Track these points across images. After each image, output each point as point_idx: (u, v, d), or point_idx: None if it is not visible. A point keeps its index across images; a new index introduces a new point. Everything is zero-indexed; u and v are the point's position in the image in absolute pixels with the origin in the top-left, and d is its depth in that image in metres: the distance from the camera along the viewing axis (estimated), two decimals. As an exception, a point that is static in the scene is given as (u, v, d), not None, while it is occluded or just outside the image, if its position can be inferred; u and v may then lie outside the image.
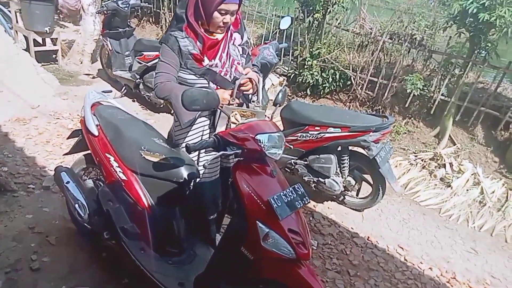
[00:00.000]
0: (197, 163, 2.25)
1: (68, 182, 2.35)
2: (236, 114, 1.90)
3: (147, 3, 6.06)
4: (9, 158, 3.34)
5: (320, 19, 5.31)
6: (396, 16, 5.08)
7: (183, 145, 2.17)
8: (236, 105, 1.98)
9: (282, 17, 3.54)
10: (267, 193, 1.68)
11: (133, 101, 5.12)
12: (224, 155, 1.67)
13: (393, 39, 4.97)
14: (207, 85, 2.12)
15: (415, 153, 4.65)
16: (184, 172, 2.03)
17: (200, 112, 2.04)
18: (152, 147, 2.10)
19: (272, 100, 5.71)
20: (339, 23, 5.46)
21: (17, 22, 5.54)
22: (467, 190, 4.01)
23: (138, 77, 4.77)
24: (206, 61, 2.08)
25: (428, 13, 5.13)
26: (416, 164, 4.40)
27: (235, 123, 1.88)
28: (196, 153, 2.26)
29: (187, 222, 2.24)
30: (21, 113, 4.09)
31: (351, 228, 3.24)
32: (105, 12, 4.90)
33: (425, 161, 4.42)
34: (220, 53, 2.13)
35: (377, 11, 7.40)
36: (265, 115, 2.03)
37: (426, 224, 3.50)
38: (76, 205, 2.27)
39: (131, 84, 4.97)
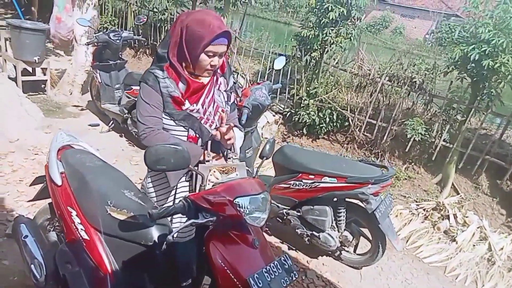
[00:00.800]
0: (171, 222, 1.97)
1: (26, 237, 2.06)
2: (214, 171, 1.64)
3: (141, 36, 5.96)
4: (-25, 199, 3.05)
5: (317, 58, 5.19)
6: (396, 58, 4.95)
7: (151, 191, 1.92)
8: (214, 160, 1.73)
9: (278, 55, 3.36)
10: (246, 270, 1.41)
11: (121, 136, 4.87)
12: (195, 224, 1.40)
13: (392, 81, 4.81)
14: (186, 132, 1.89)
15: (416, 201, 4.38)
16: (154, 233, 1.75)
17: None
18: (120, 201, 1.83)
19: (265, 138, 5.50)
20: (336, 63, 5.33)
21: (6, 50, 5.38)
22: (474, 245, 3.71)
23: (126, 111, 4.56)
24: (186, 105, 1.85)
25: (427, 55, 5.01)
26: (418, 214, 4.11)
27: (214, 182, 1.62)
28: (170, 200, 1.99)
29: (157, 289, 1.93)
30: (-2, 147, 3.83)
31: (348, 289, 2.92)
32: (96, 43, 4.75)
33: (427, 211, 4.14)
34: (204, 98, 1.91)
35: (375, 50, 7.36)
36: (248, 169, 1.78)
37: (431, 285, 3.18)
38: (32, 265, 1.97)
39: (119, 119, 4.76)
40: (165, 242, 1.84)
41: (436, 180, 4.62)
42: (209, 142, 1.86)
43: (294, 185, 2.99)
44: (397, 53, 5.07)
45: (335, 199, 2.98)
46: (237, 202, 1.45)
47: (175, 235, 1.43)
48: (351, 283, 3.00)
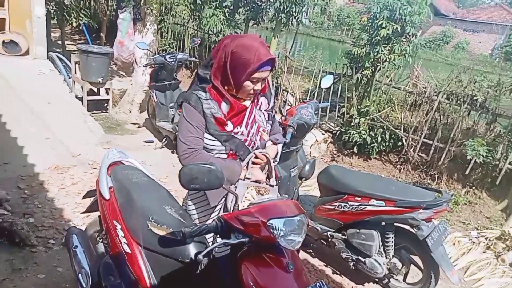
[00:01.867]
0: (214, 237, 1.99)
1: (76, 247, 2.19)
2: (252, 189, 1.64)
3: (196, 57, 6.22)
4: (38, 208, 3.30)
5: (369, 76, 5.05)
6: (454, 75, 4.67)
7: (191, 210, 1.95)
8: (252, 181, 1.72)
9: (326, 74, 3.33)
10: (278, 295, 1.37)
11: (172, 152, 5.07)
12: (227, 244, 1.39)
13: (451, 100, 4.54)
14: (226, 153, 1.91)
15: (477, 229, 4.03)
16: (191, 250, 1.77)
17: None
18: (161, 217, 1.88)
19: (313, 157, 5.41)
20: (390, 81, 5.15)
21: (75, 72, 5.88)
22: (545, 281, 3.31)
23: (178, 129, 4.74)
24: (229, 127, 1.88)
25: (491, 71, 4.66)
26: (479, 243, 3.77)
27: (250, 201, 1.61)
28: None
29: (194, 307, 1.94)
30: (61, 161, 4.15)
31: (396, 321, 2.72)
32: (153, 65, 5.04)
33: (490, 240, 3.79)
34: (246, 119, 1.93)
35: (435, 66, 7.03)
36: (283, 195, 1.74)
37: (492, 323, 2.87)
38: (80, 275, 2.08)
39: (172, 136, 4.96)
40: (202, 262, 1.87)
41: (501, 207, 4.23)
42: (250, 162, 1.86)
43: (340, 207, 2.89)
44: (456, 69, 4.78)
45: (383, 223, 2.83)
46: (271, 224, 1.42)
47: (202, 258, 1.42)
48: (400, 314, 2.80)
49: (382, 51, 4.75)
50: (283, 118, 3.07)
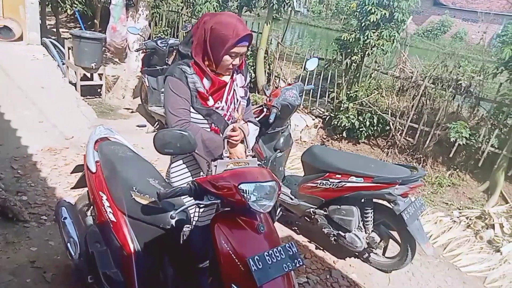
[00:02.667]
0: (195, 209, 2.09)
1: (65, 218, 2.30)
2: (231, 167, 1.73)
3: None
4: (31, 187, 3.40)
5: (358, 61, 5.13)
6: (440, 60, 4.75)
7: (174, 182, 2.05)
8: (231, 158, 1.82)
9: (311, 57, 3.40)
10: (247, 252, 1.47)
11: (164, 136, 5.15)
12: (200, 205, 1.49)
13: (436, 84, 4.63)
14: (208, 125, 2.01)
15: (459, 209, 4.15)
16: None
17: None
18: (144, 188, 1.98)
19: (303, 141, 5.52)
20: (378, 66, 5.22)
21: (69, 58, 5.93)
22: (521, 258, 3.44)
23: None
24: (210, 102, 1.97)
25: (474, 57, 4.75)
26: (460, 222, 3.90)
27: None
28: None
29: (175, 271, 2.05)
30: (54, 143, 4.24)
31: (374, 292, 2.86)
32: (144, 50, 5.09)
33: (470, 220, 3.92)
34: (226, 95, 2.02)
35: (425, 54, 7.10)
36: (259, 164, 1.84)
37: (466, 295, 3.01)
38: (68, 244, 2.20)
39: (164, 120, 5.04)
40: (184, 227, 1.98)
41: (482, 188, 4.36)
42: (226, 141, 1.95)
43: (321, 184, 3.00)
44: (442, 55, 4.87)
45: (362, 200, 2.95)
46: (242, 188, 1.52)
47: (175, 215, 1.51)
48: (378, 286, 2.93)
49: (371, 36, 4.82)
50: (267, 99, 3.16)
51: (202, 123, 2.00)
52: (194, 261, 2.09)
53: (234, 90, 2.06)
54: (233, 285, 1.43)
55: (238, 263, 1.46)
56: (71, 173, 2.60)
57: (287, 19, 7.68)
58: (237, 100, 2.07)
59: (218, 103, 1.98)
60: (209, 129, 2.01)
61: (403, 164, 2.89)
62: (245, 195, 1.52)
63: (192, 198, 1.54)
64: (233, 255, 1.48)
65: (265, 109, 3.13)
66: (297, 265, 1.56)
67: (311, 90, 5.36)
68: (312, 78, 5.85)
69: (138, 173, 2.12)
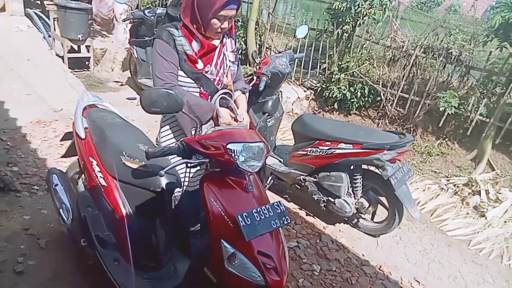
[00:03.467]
0: (185, 171, 2.11)
1: (56, 185, 2.30)
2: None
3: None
4: (22, 158, 3.39)
5: (349, 31, 5.08)
6: (431, 29, 4.73)
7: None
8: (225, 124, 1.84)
9: (300, 24, 3.36)
10: (236, 209, 1.50)
11: (155, 108, 5.12)
12: (188, 164, 1.51)
13: (427, 53, 4.62)
14: (198, 89, 2.01)
15: (447, 177, 4.23)
16: (162, 181, 1.89)
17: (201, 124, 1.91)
18: (134, 153, 1.99)
19: (295, 114, 5.52)
20: (370, 36, 5.18)
21: (54, 30, 5.78)
22: (505, 222, 3.55)
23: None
24: (200, 65, 1.96)
25: (465, 26, 4.73)
26: (447, 190, 3.99)
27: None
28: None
29: (167, 234, 2.09)
30: (43, 116, 4.19)
31: (362, 255, 2.94)
32: (132, 20, 4.98)
33: (457, 187, 4.00)
34: (216, 59, 2.01)
35: (418, 26, 7.05)
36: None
37: (451, 256, 3.11)
38: (61, 209, 2.21)
39: (154, 92, 4.99)
40: (175, 191, 2.01)
41: (470, 156, 4.43)
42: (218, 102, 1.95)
43: (311, 151, 3.03)
44: (433, 23, 4.83)
45: (351, 167, 2.99)
46: (230, 147, 1.53)
47: (163, 173, 1.53)
48: (366, 249, 3.01)
49: (362, 5, 4.75)
50: (257, 67, 3.13)
51: (191, 87, 1.99)
52: (186, 224, 2.13)
53: (224, 54, 2.04)
54: (222, 240, 1.47)
55: (227, 219, 1.49)
56: (60, 141, 2.60)
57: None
58: (227, 65, 2.06)
59: (207, 67, 1.97)
60: (198, 94, 2.01)
61: (391, 130, 2.93)
62: (233, 154, 1.53)
63: (180, 157, 1.55)
64: (222, 212, 1.50)
65: (255, 77, 3.11)
66: (285, 222, 1.59)
67: (303, 61, 5.31)
68: (304, 49, 5.79)
69: (127, 139, 2.12)
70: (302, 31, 3.36)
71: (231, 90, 2.07)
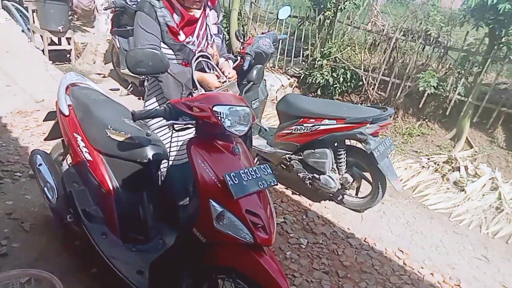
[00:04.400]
0: (170, 146, 2.13)
1: (40, 165, 2.28)
2: None
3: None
4: (2, 147, 3.34)
5: (331, 17, 5.14)
6: (410, 12, 4.83)
7: (151, 125, 2.06)
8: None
9: (281, 7, 3.39)
10: (224, 170, 1.52)
11: (139, 99, 5.10)
12: (174, 124, 1.52)
13: (407, 36, 4.72)
14: (181, 62, 2.02)
15: (427, 155, 4.34)
16: (149, 152, 1.90)
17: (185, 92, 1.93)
18: (120, 126, 1.99)
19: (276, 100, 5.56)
20: (351, 22, 5.25)
21: (33, 22, 5.68)
22: (483, 195, 3.68)
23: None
24: (182, 37, 1.98)
25: (443, 9, 4.85)
26: (428, 167, 4.10)
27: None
28: (168, 134, 2.15)
29: (155, 208, 2.10)
30: (25, 106, 4.13)
31: (348, 228, 3.00)
32: (113, 9, 4.91)
33: (438, 164, 4.12)
34: (198, 31, 2.03)
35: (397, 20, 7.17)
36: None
37: (433, 228, 3.21)
38: (45, 188, 2.20)
39: (137, 81, 4.95)
40: (161, 162, 2.02)
41: (450, 136, 4.56)
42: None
43: (296, 130, 3.08)
44: (412, 6, 4.94)
45: (335, 144, 3.05)
46: (216, 110, 1.55)
47: (150, 132, 1.55)
48: (351, 223, 3.08)
49: (343, -10, 4.82)
50: (241, 47, 3.16)
51: (173, 59, 2.01)
52: (174, 199, 2.14)
53: (207, 25, 2.06)
54: (210, 200, 1.49)
55: (215, 180, 1.51)
56: (43, 120, 2.57)
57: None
58: (210, 36, 2.08)
59: (189, 38, 1.98)
60: (180, 65, 2.02)
61: (373, 105, 3.00)
62: (219, 117, 1.55)
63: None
64: (209, 172, 1.52)
65: (238, 57, 3.12)
66: (272, 184, 1.62)
67: (286, 50, 5.34)
68: (287, 38, 5.83)
69: (112, 114, 2.12)
70: (285, 12, 3.40)
71: (211, 57, 2.08)
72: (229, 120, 1.58)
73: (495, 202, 3.56)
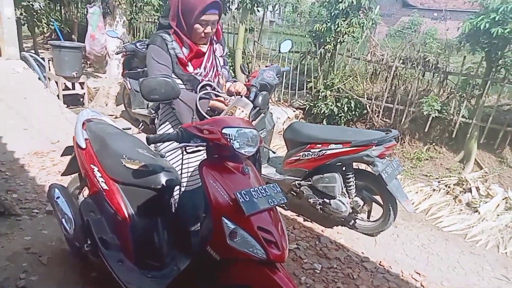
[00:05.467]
0: (181, 171, 2.21)
1: (58, 198, 2.36)
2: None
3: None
4: (21, 186, 3.44)
5: (331, 50, 5.35)
6: (407, 40, 5.01)
7: (162, 149, 2.17)
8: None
9: (282, 41, 3.57)
10: (235, 188, 1.59)
11: (150, 136, 5.24)
12: (186, 147, 1.61)
13: (406, 64, 4.87)
14: (191, 91, 2.14)
15: (438, 178, 4.34)
16: (162, 178, 1.98)
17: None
18: (134, 156, 2.09)
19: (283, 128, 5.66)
20: (351, 54, 5.45)
21: (49, 69, 5.99)
22: (498, 215, 3.64)
23: (153, 112, 4.91)
24: (190, 68, 2.11)
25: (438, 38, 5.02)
26: (440, 190, 4.09)
27: None
28: (179, 161, 2.24)
29: (169, 234, 2.14)
30: (41, 148, 4.28)
31: (362, 252, 2.98)
32: (124, 53, 5.20)
33: (449, 187, 4.11)
34: (205, 63, 2.17)
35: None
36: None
37: (449, 249, 3.16)
38: (63, 220, 2.26)
39: (148, 120, 5.12)
40: (173, 187, 2.09)
41: (458, 158, 4.57)
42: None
43: (304, 156, 3.15)
44: (408, 35, 5.13)
45: (343, 168, 3.10)
46: (225, 132, 1.64)
47: (164, 154, 1.64)
48: (365, 247, 3.06)
49: (341, 24, 5.05)
50: (246, 80, 3.31)
51: (182, 89, 2.13)
52: (186, 226, 2.19)
53: (214, 57, 2.21)
54: (223, 218, 1.54)
55: (227, 198, 1.57)
56: (61, 155, 2.68)
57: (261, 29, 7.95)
58: (219, 67, 2.22)
59: (197, 70, 2.12)
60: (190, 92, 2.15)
61: (377, 128, 3.07)
62: (228, 138, 1.64)
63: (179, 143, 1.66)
64: (221, 192, 1.59)
65: (245, 89, 3.27)
66: (282, 201, 1.68)
67: (290, 83, 5.51)
68: (290, 72, 6.05)
69: (127, 145, 2.22)
70: (286, 46, 3.56)
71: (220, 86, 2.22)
72: (237, 142, 1.66)
73: (511, 222, 3.51)
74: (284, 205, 3.46)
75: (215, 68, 2.22)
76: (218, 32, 2.21)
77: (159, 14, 8.11)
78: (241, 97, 2.02)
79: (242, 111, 2.00)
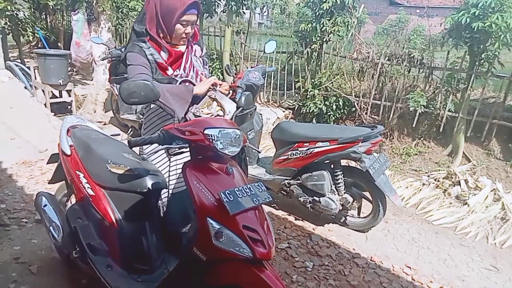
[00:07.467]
0: (169, 174, 2.20)
1: (45, 206, 2.35)
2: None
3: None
4: (9, 196, 3.41)
5: (317, 49, 5.38)
6: (391, 38, 5.06)
7: (149, 156, 2.15)
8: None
9: (267, 41, 3.57)
10: (219, 188, 1.59)
11: (139, 142, 5.22)
12: (168, 148, 1.61)
13: (391, 60, 4.91)
14: None
15: (427, 173, 4.38)
16: (148, 182, 1.97)
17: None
18: (119, 160, 2.08)
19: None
20: (337, 52, 5.48)
21: (35, 78, 5.94)
22: (487, 207, 3.68)
23: (142, 117, 4.90)
24: (170, 71, 2.12)
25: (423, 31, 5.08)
26: (429, 184, 4.13)
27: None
28: (167, 164, 2.23)
29: (158, 238, 2.14)
30: (29, 157, 4.24)
31: (353, 249, 3.00)
32: (110, 59, 5.18)
33: (438, 181, 4.15)
34: (184, 64, 2.17)
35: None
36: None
37: (439, 242, 3.19)
38: (51, 227, 2.25)
39: (136, 125, 5.11)
40: (159, 190, 2.08)
41: (447, 152, 4.61)
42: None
43: (292, 155, 3.16)
44: (392, 33, 5.17)
45: (332, 165, 3.11)
46: (207, 132, 1.64)
47: (146, 157, 1.63)
48: (356, 244, 3.07)
49: (326, 24, 5.08)
50: (231, 81, 3.31)
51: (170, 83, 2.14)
52: (175, 228, 2.18)
53: (192, 58, 2.22)
54: (208, 218, 1.54)
55: (211, 198, 1.57)
56: (47, 163, 2.66)
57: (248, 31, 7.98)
58: (198, 67, 2.23)
59: (177, 71, 2.13)
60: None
61: (363, 125, 3.09)
62: (211, 139, 1.64)
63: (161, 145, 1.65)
64: (205, 192, 1.59)
65: (230, 91, 3.27)
66: (267, 200, 1.68)
67: (278, 84, 5.52)
68: (277, 73, 6.06)
69: (112, 150, 2.21)
70: (271, 47, 3.57)
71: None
72: (220, 142, 1.66)
73: (500, 213, 3.56)
74: (275, 204, 3.48)
75: (195, 68, 2.22)
76: (195, 33, 2.22)
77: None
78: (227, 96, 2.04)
79: (220, 109, 2.02)
